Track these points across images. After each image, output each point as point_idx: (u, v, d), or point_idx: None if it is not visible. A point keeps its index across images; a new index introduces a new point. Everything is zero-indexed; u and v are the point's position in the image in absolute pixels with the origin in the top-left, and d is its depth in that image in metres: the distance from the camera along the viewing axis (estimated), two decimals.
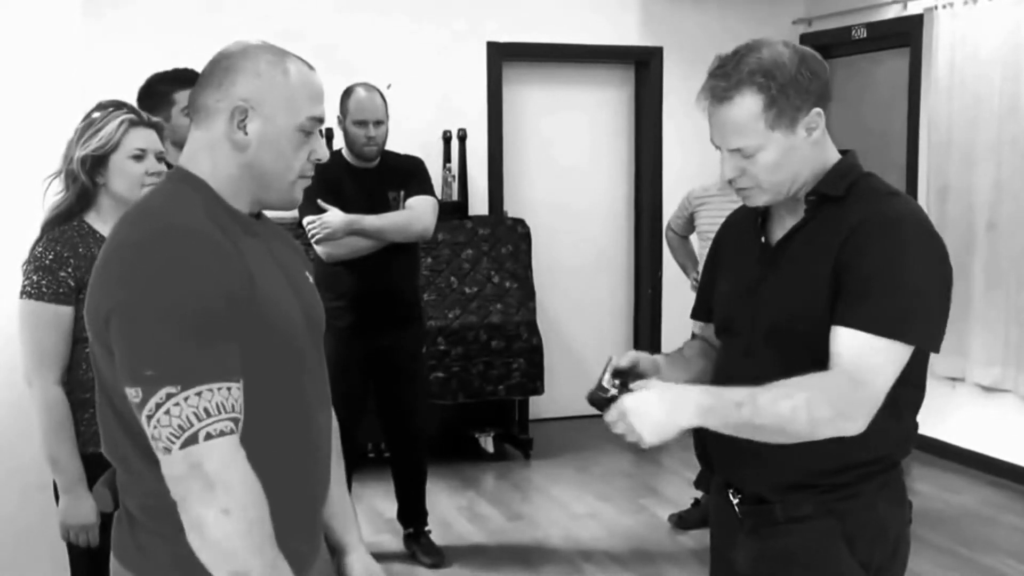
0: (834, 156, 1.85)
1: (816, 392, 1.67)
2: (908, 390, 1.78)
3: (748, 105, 1.74)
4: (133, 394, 1.44)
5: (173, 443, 1.42)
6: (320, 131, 1.68)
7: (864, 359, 1.68)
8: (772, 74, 1.73)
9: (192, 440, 1.42)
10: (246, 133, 1.58)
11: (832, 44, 6.03)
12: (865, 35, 5.89)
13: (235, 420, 1.46)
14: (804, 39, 6.08)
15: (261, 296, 1.54)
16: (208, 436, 1.43)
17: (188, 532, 1.46)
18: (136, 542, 1.60)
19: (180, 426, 1.42)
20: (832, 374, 1.69)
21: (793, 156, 1.78)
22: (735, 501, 1.90)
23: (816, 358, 1.74)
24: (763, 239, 1.90)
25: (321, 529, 1.79)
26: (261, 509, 1.48)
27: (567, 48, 6.05)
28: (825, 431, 1.68)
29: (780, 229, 1.88)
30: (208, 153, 1.61)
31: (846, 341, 1.69)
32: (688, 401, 1.68)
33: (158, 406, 1.42)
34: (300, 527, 1.68)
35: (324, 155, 1.67)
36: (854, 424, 1.68)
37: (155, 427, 1.43)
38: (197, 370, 1.44)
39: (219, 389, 1.44)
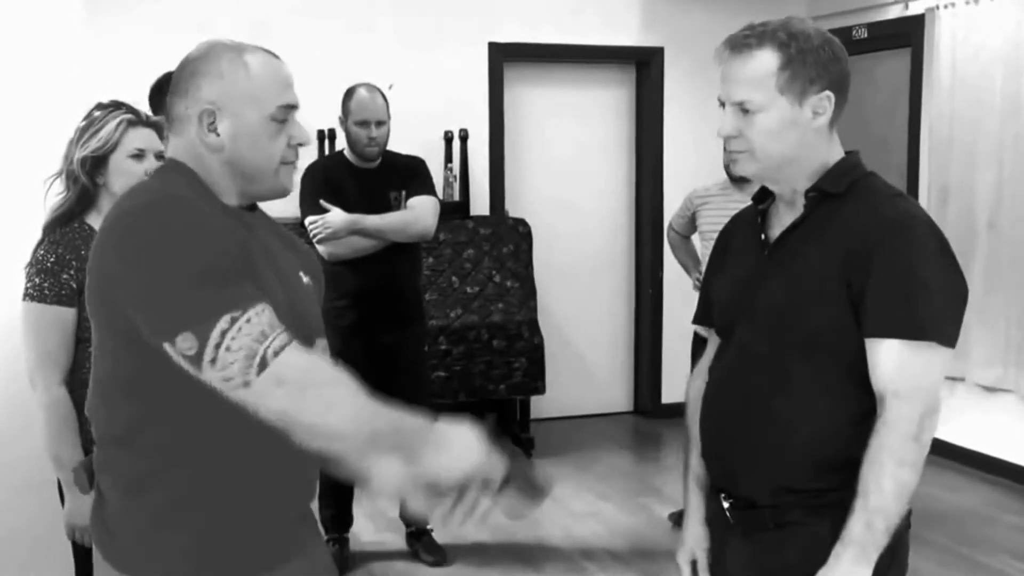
0: (837, 155, 1.85)
1: (888, 451, 1.67)
2: None
3: (765, 59, 1.76)
4: (187, 346, 1.45)
5: (249, 373, 1.44)
6: (295, 116, 1.69)
7: (906, 369, 1.68)
8: (795, 36, 1.76)
9: (264, 363, 1.45)
10: (217, 134, 1.62)
11: None
12: (866, 35, 5.89)
13: (285, 331, 1.50)
14: None
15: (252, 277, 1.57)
16: (275, 353, 1.46)
17: (312, 441, 1.51)
18: (107, 525, 1.63)
19: (247, 356, 1.44)
20: (884, 427, 1.68)
21: (792, 131, 1.77)
22: (726, 505, 1.89)
23: (811, 356, 1.75)
24: (763, 236, 1.89)
25: (313, 511, 1.82)
26: (348, 383, 1.51)
27: (568, 48, 6.06)
28: (924, 448, 1.69)
29: (779, 227, 1.87)
30: (188, 157, 1.65)
31: (883, 352, 1.70)
32: (845, 556, 1.68)
33: (216, 347, 1.44)
34: (296, 508, 1.72)
35: (304, 138, 1.69)
36: (933, 420, 1.69)
37: (222, 369, 1.45)
38: (239, 298, 1.47)
39: (264, 310, 1.48)
